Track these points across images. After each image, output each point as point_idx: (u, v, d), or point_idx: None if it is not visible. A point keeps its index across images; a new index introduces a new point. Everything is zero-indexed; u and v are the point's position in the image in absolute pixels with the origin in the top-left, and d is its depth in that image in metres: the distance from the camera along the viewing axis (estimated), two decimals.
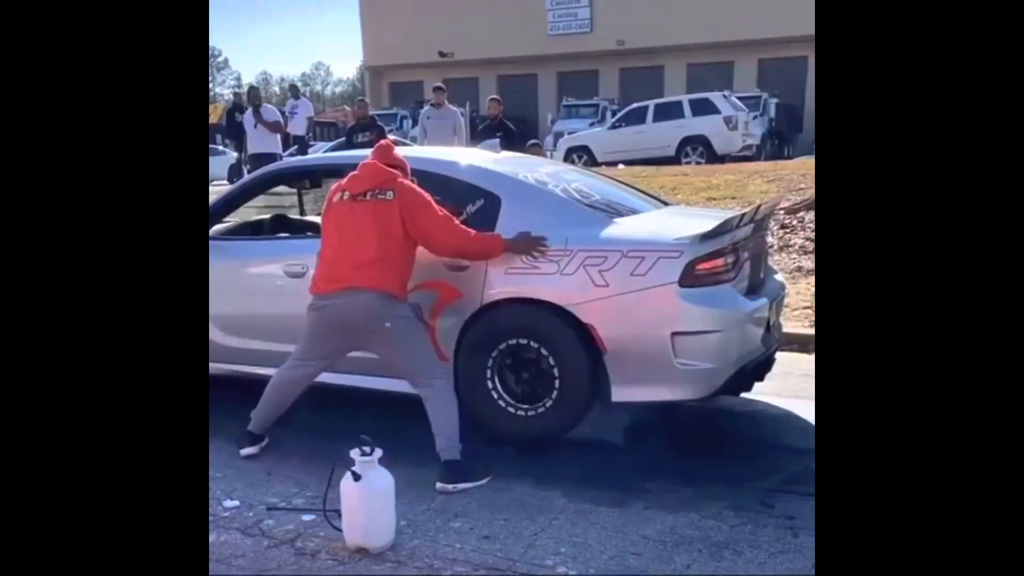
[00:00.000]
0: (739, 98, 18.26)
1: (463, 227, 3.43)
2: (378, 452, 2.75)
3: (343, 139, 10.95)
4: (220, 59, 63.32)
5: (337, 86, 64.61)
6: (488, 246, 3.44)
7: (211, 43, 61.43)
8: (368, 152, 3.61)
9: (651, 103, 17.47)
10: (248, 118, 9.76)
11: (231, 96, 28.73)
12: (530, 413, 3.54)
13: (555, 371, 3.47)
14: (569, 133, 18.60)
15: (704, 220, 3.60)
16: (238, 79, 61.97)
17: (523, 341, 3.52)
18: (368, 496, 2.72)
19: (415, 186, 3.41)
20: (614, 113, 19.42)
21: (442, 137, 9.13)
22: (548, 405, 3.51)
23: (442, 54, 26.78)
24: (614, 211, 3.80)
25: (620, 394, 3.41)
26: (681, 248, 3.34)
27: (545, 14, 25.76)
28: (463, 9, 25.64)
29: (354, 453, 2.73)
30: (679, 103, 17.29)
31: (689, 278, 3.31)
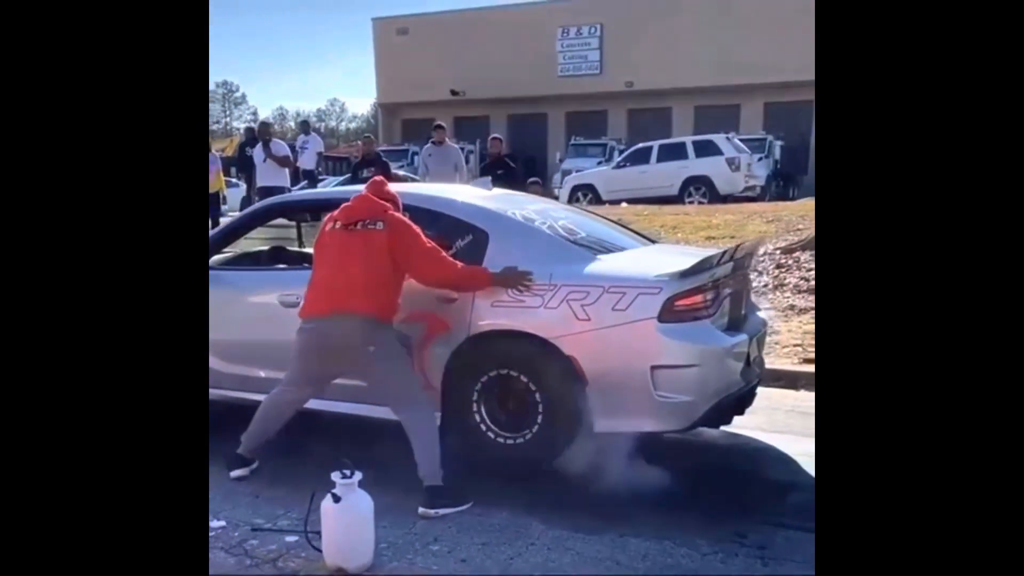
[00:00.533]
0: (745, 140, 18.50)
1: (450, 259, 3.56)
2: (358, 475, 2.84)
3: (350, 175, 11.19)
4: (238, 94, 64.50)
5: (352, 122, 65.56)
6: (474, 278, 3.56)
7: (228, 79, 62.46)
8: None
9: (655, 143, 17.72)
10: (258, 152, 9.99)
11: (241, 130, 29.17)
12: (514, 441, 3.63)
13: (539, 401, 3.57)
14: (577, 171, 18.84)
15: (685, 258, 3.71)
16: (255, 114, 62.92)
17: (508, 372, 3.62)
18: (347, 518, 2.81)
19: (404, 218, 3.54)
20: (621, 152, 19.69)
21: (443, 173, 9.32)
22: (532, 434, 3.59)
23: (454, 92, 27.21)
24: (599, 248, 3.92)
25: (602, 425, 3.49)
26: (661, 284, 3.45)
27: (556, 55, 26.20)
28: (475, 49, 26.12)
29: (335, 476, 2.83)
30: (683, 144, 17.54)
31: (668, 313, 3.42)
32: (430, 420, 3.43)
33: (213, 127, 55.86)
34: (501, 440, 3.65)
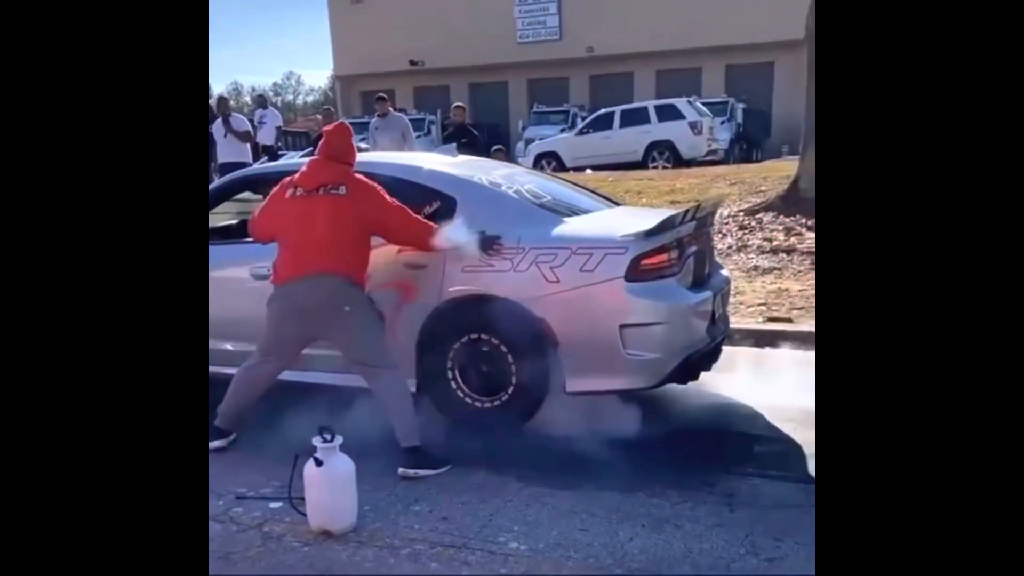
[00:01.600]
0: (707, 103, 18.62)
1: (419, 217, 3.61)
2: (339, 439, 2.91)
3: (311, 148, 11.09)
4: None
5: (309, 95, 64.56)
6: (443, 236, 3.58)
7: None
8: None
9: (618, 109, 17.78)
10: (218, 127, 9.86)
11: None
12: (489, 404, 3.72)
13: (511, 364, 3.66)
14: (539, 139, 18.84)
15: (650, 219, 3.80)
16: (208, 89, 61.61)
17: (480, 336, 3.70)
18: (330, 480, 2.88)
19: (367, 180, 3.57)
20: (583, 119, 19.72)
21: (391, 144, 9.29)
22: (506, 396, 3.69)
23: (412, 63, 26.94)
24: (565, 211, 4.00)
25: (573, 385, 3.60)
26: (626, 245, 3.54)
27: (514, 22, 26.01)
28: (433, 18, 25.83)
29: (316, 440, 2.89)
30: (645, 109, 17.63)
31: (635, 273, 3.51)
32: (401, 382, 3.49)
33: None
34: (476, 404, 3.74)
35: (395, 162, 4.25)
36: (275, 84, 63.76)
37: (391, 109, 10.31)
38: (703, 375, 4.07)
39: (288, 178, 3.62)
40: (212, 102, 11.10)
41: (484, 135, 11.26)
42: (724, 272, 4.47)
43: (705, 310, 3.81)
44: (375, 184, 3.57)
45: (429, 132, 21.08)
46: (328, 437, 2.88)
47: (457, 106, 10.36)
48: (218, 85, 62.71)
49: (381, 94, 10.63)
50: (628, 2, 23.84)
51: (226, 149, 9.79)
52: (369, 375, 3.49)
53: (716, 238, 8.23)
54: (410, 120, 19.34)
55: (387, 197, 3.55)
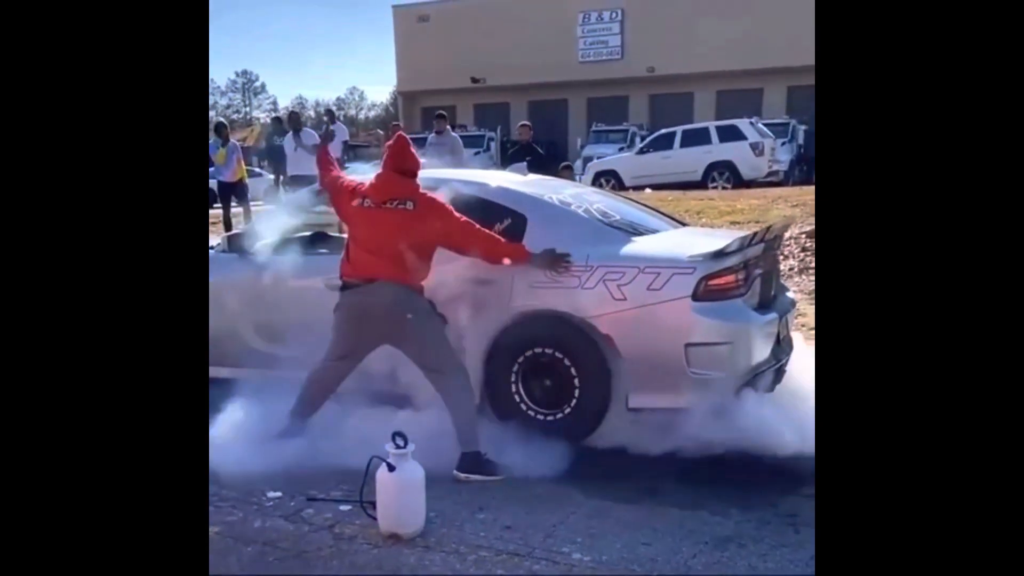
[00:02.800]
0: (768, 125, 18.45)
1: (487, 231, 3.71)
2: (411, 446, 3.00)
3: (377, 161, 11.36)
4: (257, 83, 64.86)
5: (371, 110, 65.76)
6: (514, 252, 3.70)
7: (249, 68, 62.74)
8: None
9: (679, 129, 17.74)
10: (288, 141, 10.18)
11: (268, 120, 29.42)
12: (552, 417, 3.78)
13: (575, 378, 3.73)
14: (598, 158, 18.90)
15: (717, 239, 3.84)
16: (274, 103, 63.31)
17: (546, 350, 3.78)
18: (402, 486, 2.98)
19: (434, 196, 3.69)
20: (643, 138, 19.71)
21: (442, 161, 9.47)
22: (568, 410, 3.76)
23: (474, 80, 27.30)
24: (633, 230, 4.06)
25: (636, 400, 3.65)
26: (695, 265, 3.59)
27: (576, 41, 26.21)
28: (495, 36, 26.15)
29: (389, 446, 2.99)
30: (706, 129, 17.55)
31: (702, 293, 3.56)
32: (466, 388, 3.60)
33: (233, 116, 56.29)
34: (539, 416, 3.81)
35: (468, 179, 4.37)
36: (339, 99, 65.09)
37: (448, 127, 10.53)
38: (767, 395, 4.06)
39: (355, 186, 3.76)
40: (283, 116, 11.44)
41: (547, 153, 11.37)
42: (789, 294, 4.46)
43: (770, 331, 3.83)
44: (442, 200, 3.69)
45: (488, 148, 21.31)
46: (401, 443, 2.97)
47: (523, 125, 10.52)
48: (283, 99, 64.47)
49: (440, 112, 10.85)
50: (690, 22, 23.81)
51: (295, 163, 10.09)
52: (434, 379, 3.60)
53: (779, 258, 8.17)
54: (470, 136, 19.55)
55: (455, 213, 3.67)
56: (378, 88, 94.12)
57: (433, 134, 10.44)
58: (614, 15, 25.91)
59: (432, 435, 3.48)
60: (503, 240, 3.72)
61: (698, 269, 3.58)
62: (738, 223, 9.89)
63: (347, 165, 15.18)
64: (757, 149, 16.50)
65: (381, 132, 13.84)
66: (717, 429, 3.51)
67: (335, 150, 12.24)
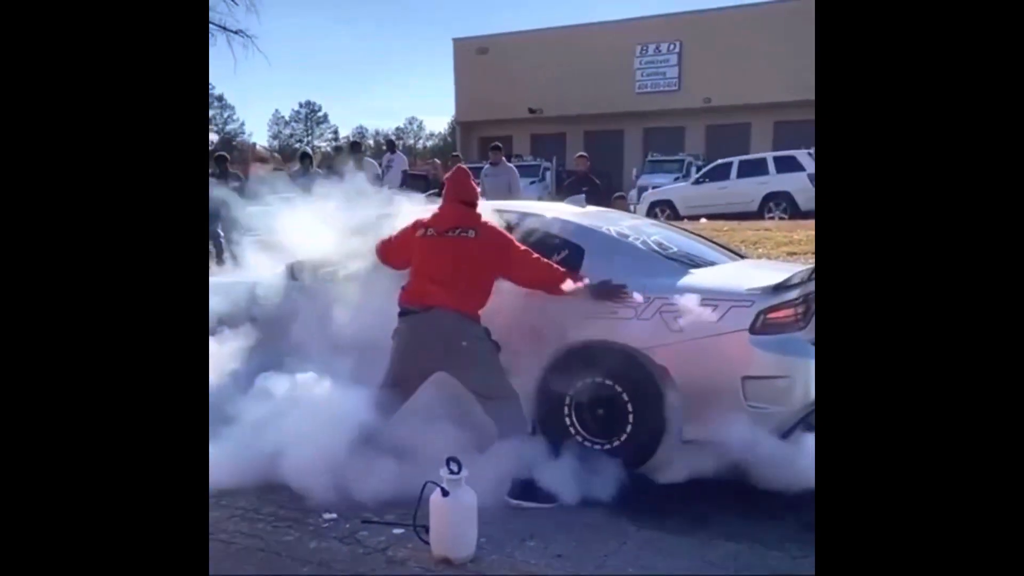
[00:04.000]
0: None
1: (546, 261, 3.76)
2: (465, 472, 3.04)
3: (434, 191, 11.55)
4: (320, 113, 66.49)
5: (429, 140, 66.82)
6: (572, 281, 3.72)
7: (311, 99, 64.41)
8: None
9: (735, 159, 17.62)
10: (350, 171, 10.43)
11: (331, 150, 30.16)
12: (604, 447, 3.79)
13: (629, 409, 3.73)
14: (653, 187, 18.86)
15: (776, 273, 3.83)
16: (335, 133, 64.80)
17: (600, 380, 3.79)
18: (455, 511, 3.01)
19: (496, 225, 3.78)
20: (699, 168, 19.62)
21: (497, 192, 9.54)
22: (621, 440, 3.76)
23: (531, 110, 27.57)
24: (690, 262, 4.07)
25: (691, 433, 3.64)
26: (753, 298, 3.59)
27: (634, 73, 26.31)
28: (553, 67, 26.41)
29: (443, 471, 3.03)
30: (763, 160, 17.38)
31: (760, 326, 3.55)
32: (519, 415, 3.64)
33: (296, 146, 57.69)
34: (591, 445, 3.81)
35: (527, 211, 4.43)
36: (398, 128, 66.36)
37: (503, 159, 10.66)
38: None
39: (420, 218, 3.85)
40: (344, 146, 11.73)
41: (604, 183, 11.40)
42: None
43: None
44: (503, 230, 3.75)
45: (544, 178, 21.43)
46: (455, 469, 3.01)
47: (580, 156, 10.60)
48: (344, 129, 65.98)
49: (496, 143, 11.00)
50: (747, 54, 23.71)
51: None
52: (487, 405, 3.65)
53: None
54: (526, 166, 19.67)
55: (515, 242, 3.74)
56: (436, 118, 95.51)
57: (488, 165, 10.57)
58: (672, 47, 25.98)
59: (486, 461, 3.52)
60: (562, 270, 3.76)
61: (756, 302, 3.57)
62: (795, 254, 9.76)
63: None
64: (815, 180, 16.29)
65: (439, 161, 14.13)
66: (771, 464, 3.48)
67: (395, 180, 12.58)
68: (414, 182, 14.91)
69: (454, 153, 13.11)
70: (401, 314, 3.77)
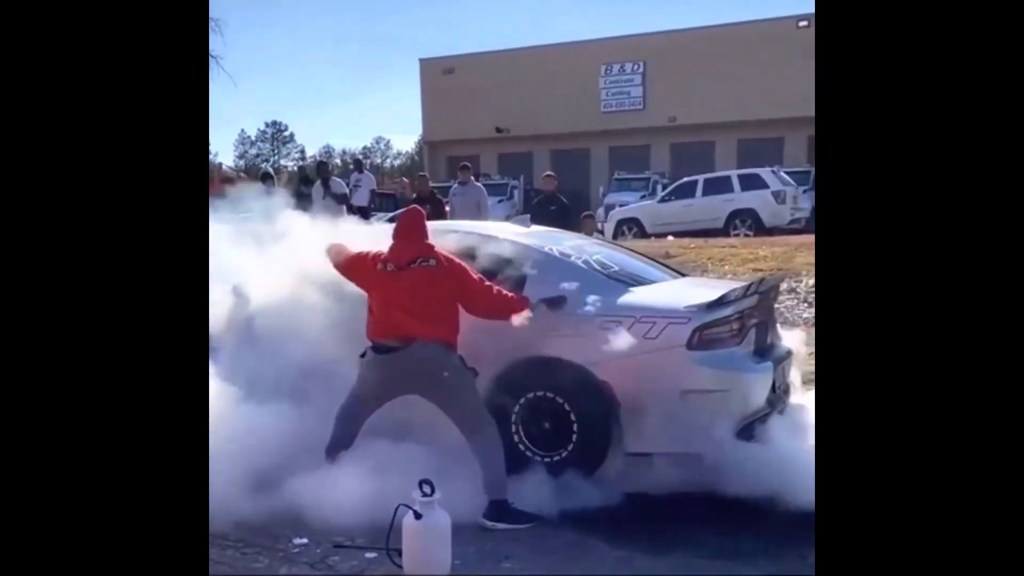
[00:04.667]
0: (789, 173, 18.51)
1: (497, 290, 3.83)
2: (437, 494, 3.02)
3: (402, 210, 11.56)
4: (286, 133, 66.11)
5: (396, 159, 66.72)
6: (517, 305, 3.81)
7: (278, 118, 64.11)
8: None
9: (700, 177, 17.83)
10: (317, 189, 10.39)
11: (295, 168, 30.06)
12: (549, 459, 3.88)
13: (574, 422, 3.84)
14: (620, 206, 19.00)
15: (713, 291, 3.98)
16: (302, 152, 64.48)
17: (546, 394, 3.90)
18: (428, 533, 2.99)
19: (451, 256, 3.85)
20: (664, 187, 19.82)
21: (466, 211, 9.58)
22: (566, 452, 3.86)
23: (498, 129, 27.69)
24: (631, 281, 4.20)
25: (634, 445, 3.78)
26: (689, 315, 3.73)
27: (599, 92, 26.59)
28: (520, 87, 26.58)
29: (415, 494, 3.01)
30: (728, 178, 17.61)
31: (696, 342, 3.68)
32: (497, 442, 3.65)
33: (262, 165, 57.31)
34: (537, 457, 3.91)
35: (473, 231, 4.53)
36: (365, 147, 66.17)
37: (472, 178, 10.72)
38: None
39: (373, 254, 3.87)
40: (311, 164, 11.67)
41: (571, 202, 11.48)
42: (785, 343, 4.57)
43: (765, 380, 3.93)
44: (459, 260, 3.84)
45: (512, 196, 21.50)
46: (428, 491, 2.99)
47: (547, 175, 10.64)
48: (311, 148, 65.66)
49: (464, 163, 11.03)
50: (711, 73, 24.08)
51: (323, 210, 10.27)
52: (471, 440, 3.66)
53: (802, 308, 8.14)
54: (493, 185, 19.73)
55: (471, 272, 3.81)
56: (403, 137, 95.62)
57: (457, 184, 10.60)
58: (636, 67, 26.29)
59: (459, 481, 3.50)
60: (509, 296, 3.82)
61: (692, 319, 3.71)
62: (761, 270, 9.88)
63: (374, 213, 15.40)
64: (779, 197, 16.54)
65: (406, 180, 14.15)
66: (737, 475, 3.55)
67: (362, 199, 12.55)
68: (382, 201, 14.94)
69: (421, 173, 13.12)
70: (376, 349, 3.76)
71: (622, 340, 3.69)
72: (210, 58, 21.25)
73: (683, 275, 5.05)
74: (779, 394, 4.12)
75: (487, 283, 3.82)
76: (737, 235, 15.97)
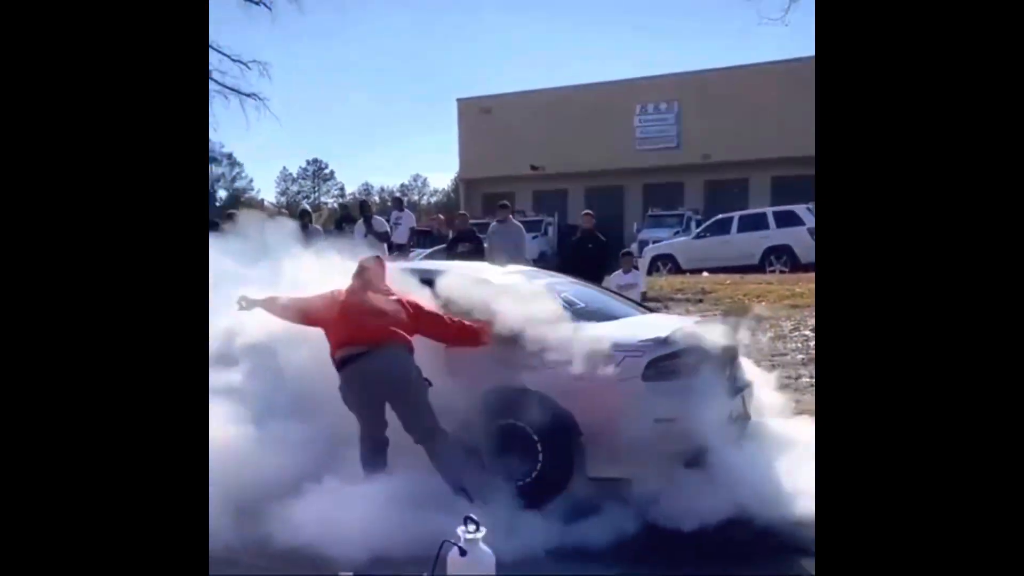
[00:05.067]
0: None
1: (455, 318, 4.20)
2: (483, 530, 3.10)
3: (440, 247, 11.77)
4: (327, 171, 67.30)
5: (433, 196, 67.46)
6: (478, 334, 4.18)
7: (318, 157, 65.34)
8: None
9: (736, 214, 17.87)
10: (358, 228, 10.64)
11: (336, 206, 30.58)
12: (515, 484, 4.09)
13: (538, 449, 4.10)
14: (654, 242, 19.08)
15: (673, 325, 4.28)
16: (342, 189, 65.57)
17: (511, 422, 4.14)
18: (472, 570, 3.06)
19: (403, 297, 4.23)
20: (698, 223, 19.86)
21: (505, 249, 9.70)
22: (530, 479, 4.11)
23: (533, 167, 27.97)
24: (595, 317, 4.51)
25: (595, 470, 4.05)
26: (644, 349, 4.00)
27: (634, 131, 26.79)
28: (555, 126, 26.87)
29: (460, 530, 3.09)
30: (764, 215, 17.64)
31: (651, 374, 3.94)
32: (448, 442, 4.02)
33: (302, 202, 58.30)
34: (503, 482, 4.09)
35: (443, 269, 4.85)
36: (403, 185, 67.12)
37: (510, 216, 10.90)
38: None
39: (333, 293, 4.26)
40: (351, 201, 11.94)
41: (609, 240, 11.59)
42: (746, 375, 4.82)
43: (721, 409, 4.13)
44: (408, 299, 4.22)
45: (546, 232, 21.67)
46: (473, 528, 3.08)
47: (586, 213, 10.82)
48: (351, 186, 66.79)
49: (503, 202, 11.21)
50: (745, 111, 24.15)
51: (366, 248, 10.49)
52: (427, 448, 3.97)
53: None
54: (528, 221, 19.90)
55: (423, 306, 4.21)
56: (440, 175, 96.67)
57: (496, 222, 10.76)
58: (670, 106, 26.50)
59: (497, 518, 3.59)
60: (468, 325, 4.16)
61: (647, 352, 3.97)
62: (798, 306, 9.89)
63: (412, 250, 15.52)
64: (814, 234, 16.50)
65: (442, 216, 14.39)
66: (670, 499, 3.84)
67: (402, 236, 12.77)
68: (420, 238, 15.18)
69: (461, 212, 13.34)
70: (346, 361, 4.01)
71: (583, 371, 3.95)
72: (258, 100, 21.91)
73: (652, 311, 5.49)
74: (738, 423, 4.38)
75: (442, 317, 4.20)
76: (772, 271, 15.94)
